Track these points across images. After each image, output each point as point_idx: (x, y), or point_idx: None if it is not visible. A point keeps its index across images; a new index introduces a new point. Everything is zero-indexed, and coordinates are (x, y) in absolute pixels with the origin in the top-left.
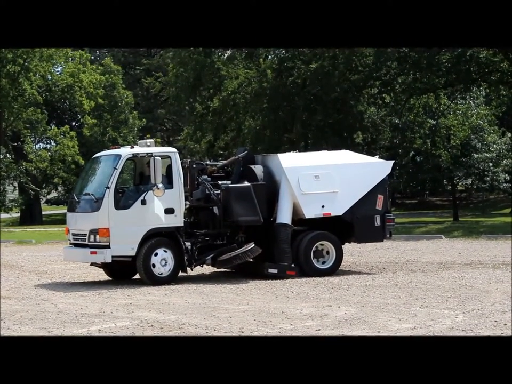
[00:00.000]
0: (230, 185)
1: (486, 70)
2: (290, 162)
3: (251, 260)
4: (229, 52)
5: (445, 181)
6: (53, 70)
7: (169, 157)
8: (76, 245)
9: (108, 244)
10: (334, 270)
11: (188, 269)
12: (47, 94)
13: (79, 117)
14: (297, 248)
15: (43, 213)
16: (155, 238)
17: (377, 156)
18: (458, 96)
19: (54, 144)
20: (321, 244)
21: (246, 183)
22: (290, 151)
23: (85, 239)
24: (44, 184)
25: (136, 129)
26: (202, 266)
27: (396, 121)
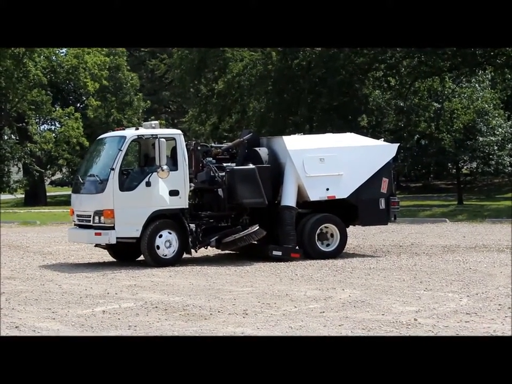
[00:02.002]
0: (234, 167)
1: (492, 54)
2: (295, 145)
3: (255, 242)
4: None
5: (449, 164)
6: (57, 51)
7: (174, 139)
8: (81, 226)
9: (113, 225)
10: (338, 253)
11: (192, 250)
12: (52, 75)
13: (84, 98)
14: (302, 231)
15: (47, 194)
16: (159, 219)
17: (382, 139)
18: (464, 80)
19: (59, 126)
20: (326, 227)
21: (251, 165)
22: (295, 134)
23: (90, 220)
24: (49, 166)
25: (140, 111)
26: (206, 248)
27: (401, 104)
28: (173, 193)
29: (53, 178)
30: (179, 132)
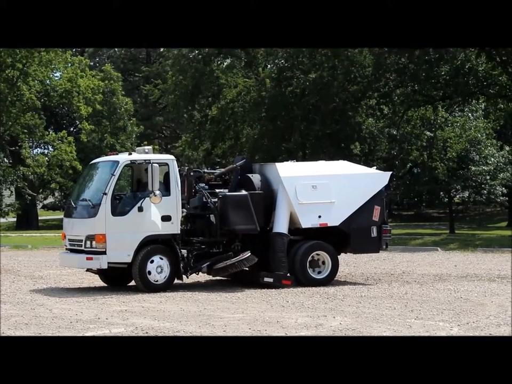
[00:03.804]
0: (227, 193)
1: (485, 83)
2: (288, 172)
3: (247, 268)
4: (228, 61)
5: (441, 193)
6: (51, 75)
7: (167, 164)
8: (72, 251)
9: (104, 250)
10: (329, 280)
11: (184, 276)
12: (46, 99)
13: (77, 122)
14: (293, 258)
15: (39, 218)
16: (151, 245)
17: (375, 167)
18: (457, 109)
19: (52, 149)
20: (317, 254)
21: (243, 192)
22: (288, 161)
23: (81, 244)
24: (41, 189)
25: (134, 136)
26: (198, 274)
27: (394, 132)
28: (165, 218)
29: (45, 202)
30: (172, 157)
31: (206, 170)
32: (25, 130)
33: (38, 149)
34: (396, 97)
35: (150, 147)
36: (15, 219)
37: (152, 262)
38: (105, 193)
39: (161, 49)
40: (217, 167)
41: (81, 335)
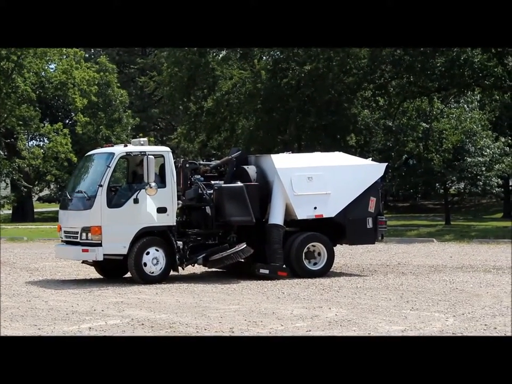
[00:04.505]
0: (222, 185)
1: (480, 75)
2: (284, 163)
3: (242, 260)
4: (223, 52)
5: (437, 184)
6: (46, 67)
7: (162, 156)
8: (68, 243)
9: (100, 242)
10: (325, 272)
11: (179, 268)
12: (41, 91)
13: (73, 114)
14: (289, 249)
15: (35, 210)
16: (147, 236)
17: (370, 158)
18: (452, 100)
19: (47, 141)
20: (313, 245)
21: (239, 183)
22: (283, 152)
23: (77, 236)
24: (37, 182)
25: (129, 128)
26: (193, 266)
27: (389, 124)
28: (161, 210)
29: (41, 194)
30: (167, 149)
31: (201, 162)
32: (21, 122)
33: (34, 141)
34: (392, 89)
35: (146, 139)
36: (10, 211)
37: (147, 253)
38: (100, 185)
39: None
40: (213, 158)
41: (77, 326)
